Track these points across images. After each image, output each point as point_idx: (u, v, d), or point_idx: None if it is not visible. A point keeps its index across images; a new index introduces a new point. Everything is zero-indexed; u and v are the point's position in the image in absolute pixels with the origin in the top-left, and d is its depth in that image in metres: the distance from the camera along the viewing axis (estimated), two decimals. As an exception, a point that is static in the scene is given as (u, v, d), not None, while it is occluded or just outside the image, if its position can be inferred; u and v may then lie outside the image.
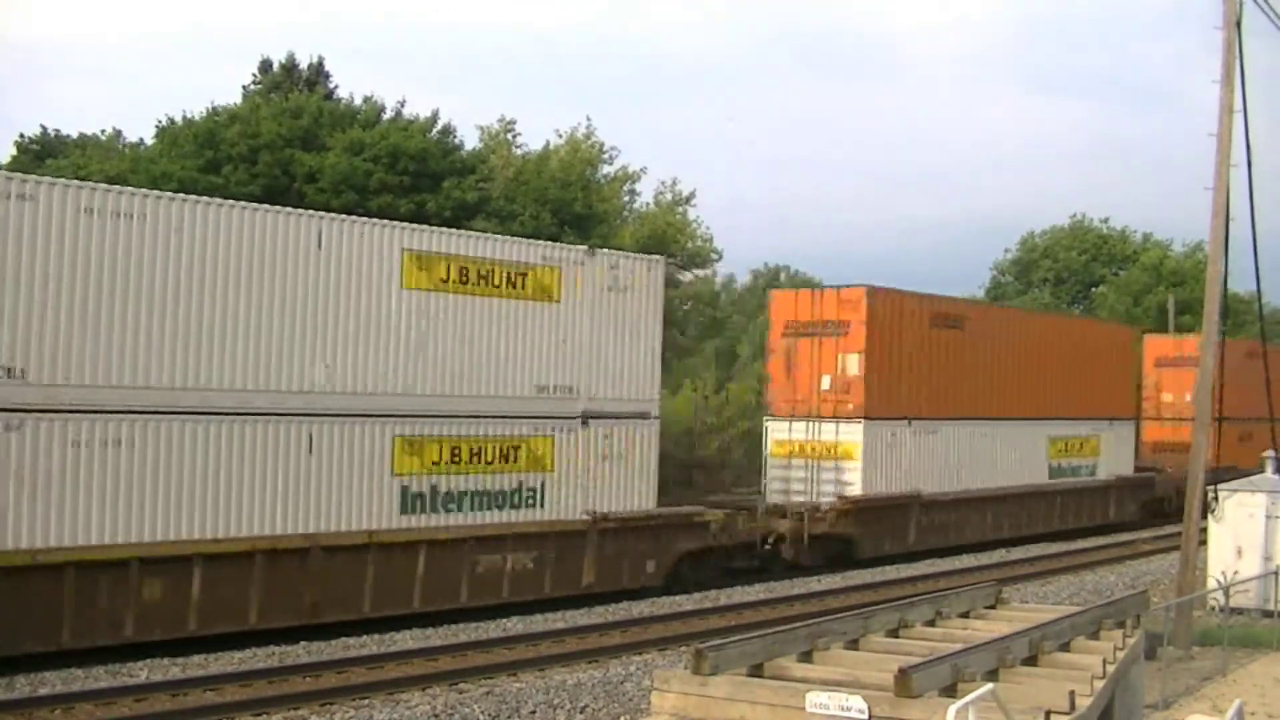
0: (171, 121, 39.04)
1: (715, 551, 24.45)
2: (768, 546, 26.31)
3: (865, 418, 27.69)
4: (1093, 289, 72.73)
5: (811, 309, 28.68)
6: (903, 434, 28.86)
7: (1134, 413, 39.93)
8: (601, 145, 42.09)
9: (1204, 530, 21.64)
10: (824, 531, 26.77)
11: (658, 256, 24.62)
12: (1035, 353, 33.74)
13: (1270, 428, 33.92)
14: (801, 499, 27.45)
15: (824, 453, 27.92)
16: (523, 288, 20.86)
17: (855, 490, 27.56)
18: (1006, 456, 32.30)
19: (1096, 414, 36.48)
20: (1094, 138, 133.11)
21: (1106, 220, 75.89)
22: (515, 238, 23.03)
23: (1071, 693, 9.04)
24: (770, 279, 65.54)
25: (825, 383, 27.98)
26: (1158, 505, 39.58)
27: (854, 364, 27.91)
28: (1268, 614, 21.33)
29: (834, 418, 27.86)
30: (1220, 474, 38.25)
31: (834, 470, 27.70)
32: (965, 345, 30.96)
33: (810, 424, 28.08)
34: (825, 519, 26.87)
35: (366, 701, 14.60)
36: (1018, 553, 31.03)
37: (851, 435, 27.70)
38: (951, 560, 29.05)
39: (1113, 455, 37.48)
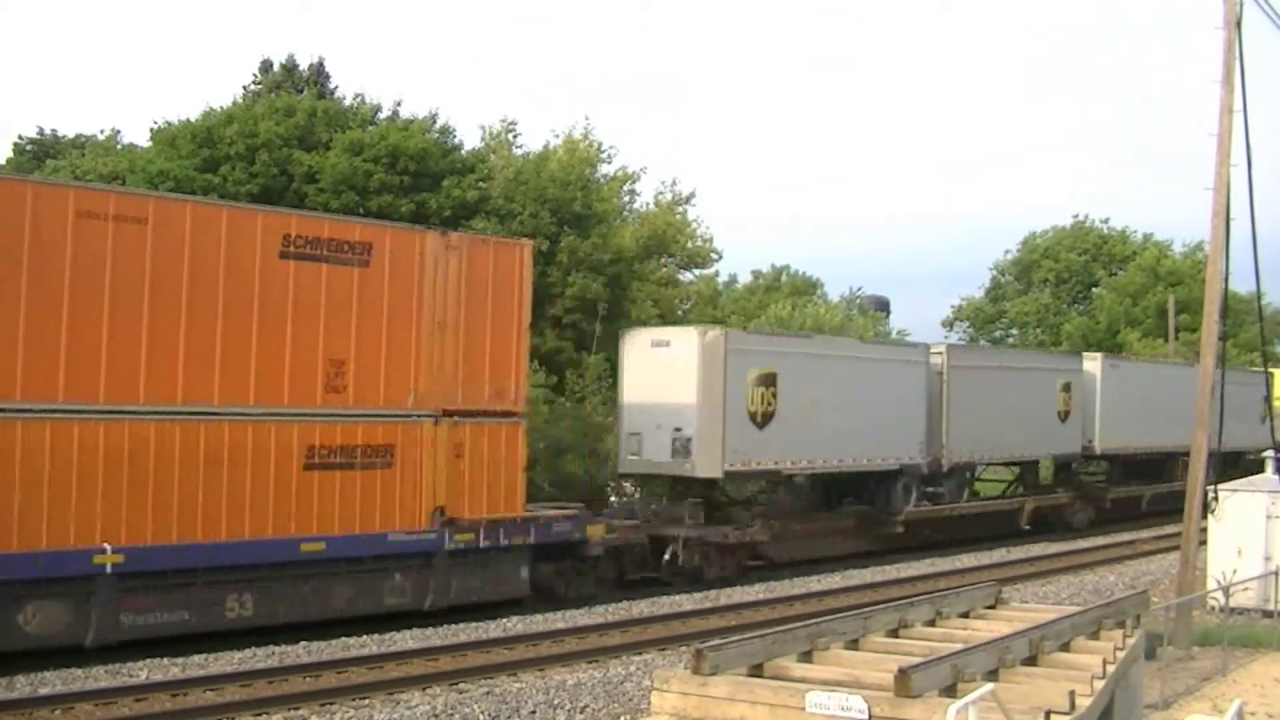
0: (168, 123, 39.00)
1: None
2: None
3: None
4: (1093, 289, 72.70)
5: None
6: None
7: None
8: (599, 145, 42.05)
9: (1204, 530, 21.63)
10: None
11: None
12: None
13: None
14: None
15: None
16: None
17: None
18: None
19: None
20: (1094, 138, 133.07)
21: (1107, 220, 75.99)
22: None
23: (1071, 693, 9.05)
24: (773, 280, 65.59)
25: None
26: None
27: None
28: (1268, 614, 21.34)
29: None
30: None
31: None
32: None
33: None
34: None
35: (366, 701, 14.59)
36: (1017, 552, 31.04)
37: None
38: (952, 560, 29.06)
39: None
